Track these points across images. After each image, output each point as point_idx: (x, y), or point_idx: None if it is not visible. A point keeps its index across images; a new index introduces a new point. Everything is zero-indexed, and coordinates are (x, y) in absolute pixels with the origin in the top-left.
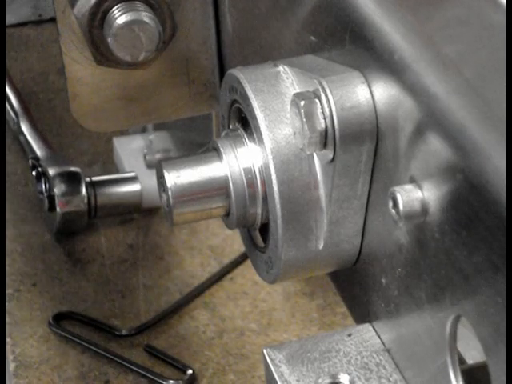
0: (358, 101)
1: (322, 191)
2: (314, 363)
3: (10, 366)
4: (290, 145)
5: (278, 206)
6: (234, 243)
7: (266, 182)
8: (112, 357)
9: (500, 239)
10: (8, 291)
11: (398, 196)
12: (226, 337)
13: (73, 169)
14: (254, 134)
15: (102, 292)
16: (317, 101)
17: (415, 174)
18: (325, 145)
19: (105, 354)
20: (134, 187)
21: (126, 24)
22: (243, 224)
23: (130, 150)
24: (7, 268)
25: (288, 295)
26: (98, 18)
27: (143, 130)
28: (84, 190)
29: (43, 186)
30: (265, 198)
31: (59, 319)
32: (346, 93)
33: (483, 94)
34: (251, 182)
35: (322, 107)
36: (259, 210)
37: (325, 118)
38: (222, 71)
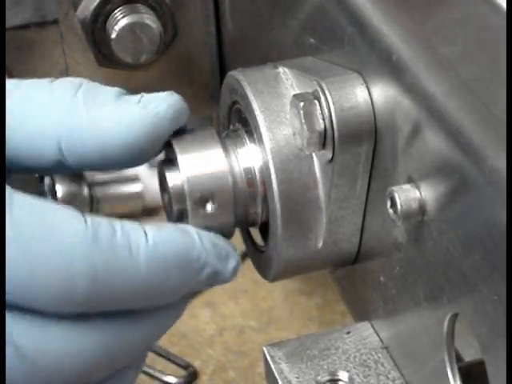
0: (357, 102)
1: (321, 191)
2: (313, 360)
3: None
4: (290, 145)
5: (278, 206)
6: (234, 242)
7: (266, 181)
8: None
9: (498, 238)
10: None
11: (396, 195)
12: (227, 334)
13: None
14: (254, 135)
15: None
16: (316, 102)
17: (413, 173)
18: (324, 145)
19: None
20: (135, 187)
21: (128, 26)
22: (243, 223)
23: None
24: None
25: (288, 294)
26: (101, 20)
27: None
28: (86, 190)
29: (45, 187)
30: (265, 198)
31: None
32: (344, 94)
33: (480, 95)
34: (251, 182)
35: (321, 108)
36: (259, 210)
37: (324, 119)
38: (223, 72)
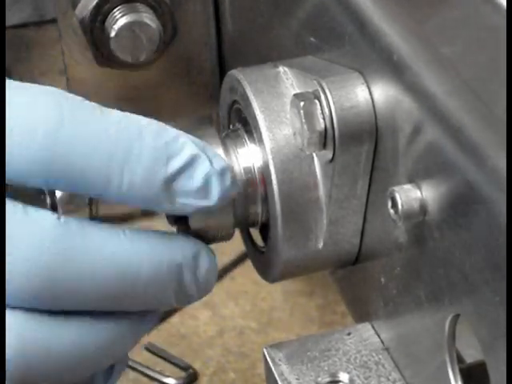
0: (358, 101)
1: (321, 191)
2: (313, 362)
3: None
4: (290, 145)
5: (278, 206)
6: (234, 243)
7: (266, 181)
8: None
9: (499, 238)
10: None
11: (397, 196)
12: (227, 335)
13: None
14: (254, 135)
15: None
16: (316, 101)
17: (414, 173)
18: (324, 145)
19: None
20: None
21: (127, 25)
22: (243, 223)
23: None
24: None
25: (288, 294)
26: (99, 19)
27: None
28: None
29: None
30: (265, 198)
31: None
32: (345, 93)
33: (481, 95)
34: (251, 182)
35: (322, 108)
36: (259, 210)
37: (324, 119)
38: (223, 72)
